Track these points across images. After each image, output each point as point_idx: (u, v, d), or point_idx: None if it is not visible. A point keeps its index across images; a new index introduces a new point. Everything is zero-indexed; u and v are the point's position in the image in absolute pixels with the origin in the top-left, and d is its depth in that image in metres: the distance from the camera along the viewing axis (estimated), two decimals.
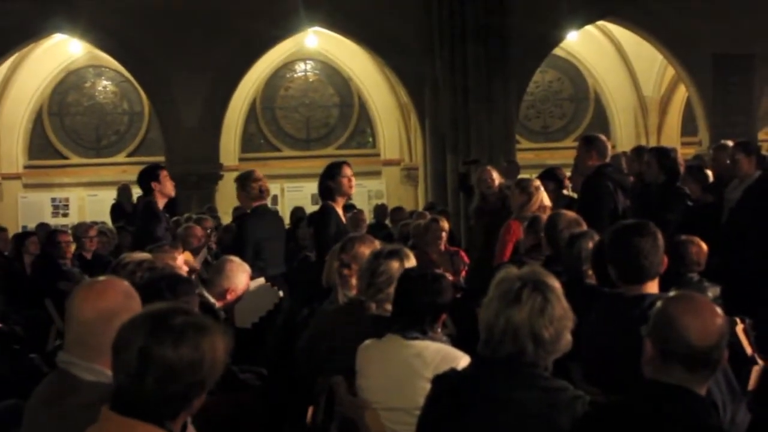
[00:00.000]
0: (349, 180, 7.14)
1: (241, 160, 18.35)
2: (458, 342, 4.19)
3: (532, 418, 2.96)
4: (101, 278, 3.25)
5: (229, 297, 5.77)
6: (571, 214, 5.97)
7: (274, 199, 17.35)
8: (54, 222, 15.97)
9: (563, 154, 16.06)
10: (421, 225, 8.83)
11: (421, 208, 13.75)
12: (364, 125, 19.26)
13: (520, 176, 9.33)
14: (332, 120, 19.23)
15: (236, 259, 6.03)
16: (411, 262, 4.64)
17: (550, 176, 8.38)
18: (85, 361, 2.97)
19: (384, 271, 4.54)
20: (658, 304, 2.87)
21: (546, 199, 7.58)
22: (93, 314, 2.95)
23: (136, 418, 2.40)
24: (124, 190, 14.40)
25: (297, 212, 12.56)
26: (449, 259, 8.40)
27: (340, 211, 7.18)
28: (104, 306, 2.93)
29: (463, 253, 8.85)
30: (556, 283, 3.07)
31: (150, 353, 2.37)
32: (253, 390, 5.22)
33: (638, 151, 8.48)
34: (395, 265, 4.55)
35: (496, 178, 8.94)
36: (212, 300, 5.57)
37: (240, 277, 5.86)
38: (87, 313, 3.00)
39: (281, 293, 6.48)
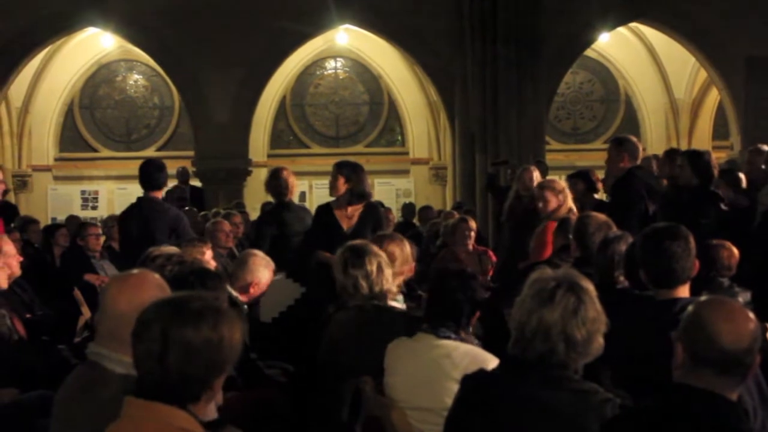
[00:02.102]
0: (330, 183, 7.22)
1: (270, 156, 18.42)
2: (485, 342, 4.17)
3: (560, 419, 2.94)
4: (135, 271, 3.26)
5: (253, 291, 5.75)
6: (600, 216, 5.86)
7: (302, 195, 17.38)
8: (83, 214, 16.06)
9: (593, 156, 15.98)
10: (450, 224, 8.83)
11: (449, 208, 13.74)
12: (393, 123, 19.24)
13: (547, 178, 9.26)
14: (362, 118, 19.24)
15: (259, 253, 6.01)
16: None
17: (582, 176, 8.32)
18: (116, 354, 2.99)
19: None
20: (690, 308, 2.84)
21: (570, 200, 7.53)
22: (127, 307, 2.95)
23: (158, 401, 2.43)
24: None
25: None
26: (477, 258, 8.41)
27: (340, 211, 7.09)
28: (139, 300, 2.92)
29: (491, 253, 8.83)
30: (590, 286, 3.05)
31: (172, 333, 2.42)
32: (278, 386, 5.21)
33: (671, 153, 8.39)
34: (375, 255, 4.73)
35: (536, 179, 8.86)
36: (235, 293, 5.57)
37: (263, 271, 5.84)
38: (121, 306, 3.02)
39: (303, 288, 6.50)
